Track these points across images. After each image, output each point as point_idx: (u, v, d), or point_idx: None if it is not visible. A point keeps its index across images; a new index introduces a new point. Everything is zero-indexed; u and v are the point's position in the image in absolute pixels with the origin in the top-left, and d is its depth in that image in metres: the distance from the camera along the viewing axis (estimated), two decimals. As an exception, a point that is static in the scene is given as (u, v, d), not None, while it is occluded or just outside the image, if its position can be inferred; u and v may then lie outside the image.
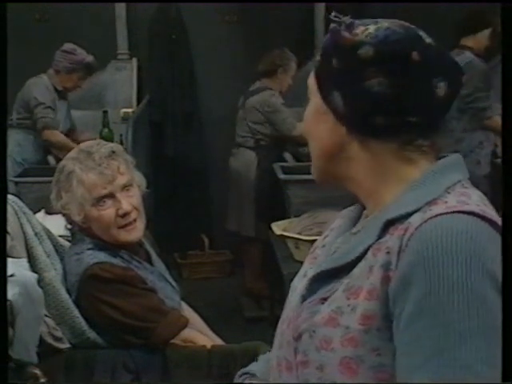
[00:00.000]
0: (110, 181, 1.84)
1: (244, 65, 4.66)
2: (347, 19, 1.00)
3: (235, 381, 1.22)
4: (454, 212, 0.89)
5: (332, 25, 1.00)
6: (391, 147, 0.98)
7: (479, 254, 0.85)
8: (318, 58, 1.03)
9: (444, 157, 1.03)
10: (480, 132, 3.73)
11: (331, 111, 1.00)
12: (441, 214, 0.89)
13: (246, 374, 1.21)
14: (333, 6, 4.52)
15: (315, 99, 1.03)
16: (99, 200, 1.84)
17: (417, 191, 0.96)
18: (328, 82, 1.01)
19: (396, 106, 0.95)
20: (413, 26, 0.99)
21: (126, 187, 1.88)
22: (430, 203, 0.93)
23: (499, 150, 3.67)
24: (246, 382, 1.19)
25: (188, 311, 2.08)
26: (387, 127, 0.97)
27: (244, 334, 2.77)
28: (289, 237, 2.72)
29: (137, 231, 1.90)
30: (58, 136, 3.92)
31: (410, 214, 0.93)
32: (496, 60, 3.90)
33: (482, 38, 3.73)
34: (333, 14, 1.02)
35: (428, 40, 0.98)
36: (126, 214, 1.86)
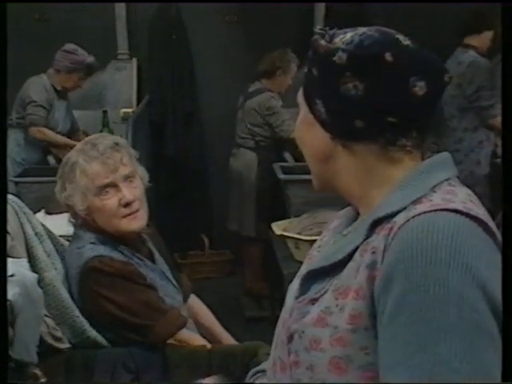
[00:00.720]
0: (113, 170, 1.85)
1: (244, 65, 4.66)
2: (331, 31, 1.03)
3: (247, 380, 1.22)
4: (437, 210, 0.89)
5: (315, 36, 1.02)
6: (374, 149, 1.00)
7: (460, 252, 0.84)
8: (305, 69, 1.06)
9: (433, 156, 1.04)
10: (480, 131, 3.73)
11: (316, 119, 1.03)
12: (424, 212, 0.89)
13: (258, 372, 1.22)
14: (333, 5, 4.56)
15: (303, 109, 1.06)
16: (102, 189, 1.85)
17: (403, 191, 0.97)
18: (311, 92, 1.03)
19: (373, 108, 0.96)
20: (392, 31, 1.01)
21: (128, 178, 1.89)
22: (415, 202, 0.94)
23: (499, 150, 3.67)
24: (257, 380, 1.20)
25: (197, 303, 2.08)
26: (367, 129, 0.98)
27: (244, 334, 2.76)
28: (289, 237, 2.72)
29: (140, 220, 1.90)
30: (44, 134, 3.89)
31: (395, 213, 0.93)
32: (496, 60, 3.90)
33: (485, 39, 3.74)
34: (318, 27, 1.06)
35: (406, 42, 0.98)
36: (128, 204, 1.87)
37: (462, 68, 3.61)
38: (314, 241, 2.54)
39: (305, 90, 1.06)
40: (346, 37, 0.99)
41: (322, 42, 1.00)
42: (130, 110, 4.47)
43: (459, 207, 0.90)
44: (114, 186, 1.86)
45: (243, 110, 4.21)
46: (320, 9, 4.73)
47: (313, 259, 1.13)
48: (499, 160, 3.62)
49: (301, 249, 2.64)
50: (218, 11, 4.76)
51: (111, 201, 1.86)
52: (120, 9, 4.66)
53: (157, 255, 2.06)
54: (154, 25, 4.64)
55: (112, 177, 1.86)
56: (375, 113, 0.97)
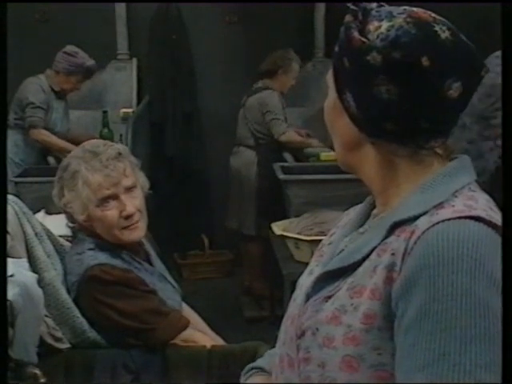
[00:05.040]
0: (116, 183, 1.85)
1: (244, 65, 4.66)
2: (364, 9, 0.97)
3: (242, 376, 1.22)
4: (460, 217, 0.89)
5: (347, 16, 0.98)
6: (403, 152, 0.98)
7: (485, 261, 0.85)
8: (336, 49, 1.01)
9: (454, 157, 1.02)
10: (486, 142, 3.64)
11: (345, 110, 1.00)
12: (448, 219, 0.89)
13: (253, 369, 1.21)
14: (333, 5, 4.56)
15: (332, 94, 1.03)
16: (103, 201, 1.85)
17: (425, 194, 0.96)
18: (341, 80, 1.00)
19: (406, 113, 0.94)
20: (430, 18, 0.95)
21: (130, 189, 1.89)
22: (437, 207, 0.93)
23: (499, 150, 3.64)
24: (251, 378, 1.19)
25: (188, 311, 2.08)
26: (398, 133, 0.96)
27: (244, 334, 2.76)
28: (289, 237, 2.72)
29: (139, 231, 1.91)
30: (44, 135, 3.90)
31: (416, 217, 0.93)
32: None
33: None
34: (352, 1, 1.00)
35: (444, 34, 0.94)
36: (129, 216, 1.87)
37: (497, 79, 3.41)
38: (314, 241, 2.53)
39: (335, 74, 1.01)
40: (380, 29, 0.94)
41: (356, 35, 0.95)
42: (130, 110, 4.46)
43: (482, 215, 0.89)
44: (115, 197, 1.86)
45: (244, 108, 4.22)
46: (320, 9, 4.74)
47: (324, 256, 1.11)
48: (499, 160, 3.60)
49: (301, 249, 2.64)
50: (219, 11, 4.76)
51: (112, 212, 1.86)
52: (120, 9, 4.66)
53: (153, 256, 2.06)
54: (153, 25, 4.64)
55: (114, 189, 1.85)
56: (407, 117, 0.94)
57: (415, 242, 0.89)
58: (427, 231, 0.89)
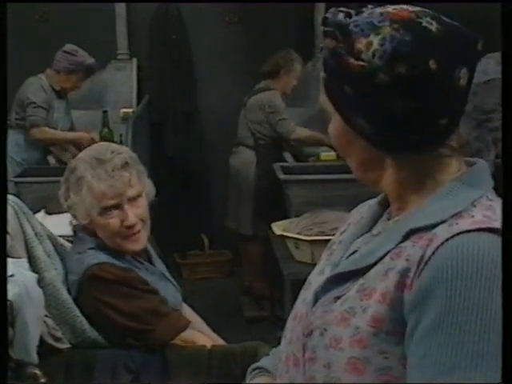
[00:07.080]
0: (120, 194, 1.84)
1: (244, 65, 4.66)
2: (342, 27, 0.93)
3: (247, 375, 1.21)
4: (480, 229, 0.88)
5: (327, 41, 0.94)
6: (423, 158, 0.96)
7: (501, 277, 0.82)
8: (322, 74, 0.97)
9: (473, 163, 1.00)
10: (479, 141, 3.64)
11: (357, 133, 0.97)
12: (468, 231, 0.88)
13: (257, 368, 1.21)
14: (333, 6, 4.55)
15: (337, 120, 0.99)
16: (106, 209, 1.85)
17: (443, 201, 0.94)
18: (346, 107, 0.96)
19: (425, 117, 0.92)
20: (413, 16, 0.92)
21: (134, 198, 1.88)
22: (455, 216, 0.91)
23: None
24: (255, 379, 1.18)
25: (188, 312, 2.08)
26: (422, 140, 0.94)
27: (244, 334, 2.76)
28: (289, 237, 2.72)
29: (140, 242, 1.91)
30: (46, 133, 3.89)
31: (434, 225, 0.91)
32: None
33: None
34: (329, 13, 0.95)
35: (433, 27, 0.91)
36: (130, 227, 1.87)
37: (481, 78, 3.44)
38: (314, 241, 2.53)
39: (333, 101, 0.98)
40: (373, 46, 0.90)
41: (351, 60, 0.91)
42: (130, 110, 4.46)
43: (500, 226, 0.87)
44: (118, 207, 1.86)
45: (245, 108, 4.22)
46: (320, 9, 4.73)
47: (333, 255, 1.10)
48: (499, 160, 3.60)
49: (301, 249, 2.64)
50: (219, 11, 4.77)
51: (114, 221, 1.86)
52: (120, 9, 4.66)
53: (154, 256, 2.06)
54: (153, 25, 4.65)
55: (117, 199, 1.85)
56: (428, 121, 0.93)
57: (433, 252, 0.88)
58: (446, 242, 0.87)
